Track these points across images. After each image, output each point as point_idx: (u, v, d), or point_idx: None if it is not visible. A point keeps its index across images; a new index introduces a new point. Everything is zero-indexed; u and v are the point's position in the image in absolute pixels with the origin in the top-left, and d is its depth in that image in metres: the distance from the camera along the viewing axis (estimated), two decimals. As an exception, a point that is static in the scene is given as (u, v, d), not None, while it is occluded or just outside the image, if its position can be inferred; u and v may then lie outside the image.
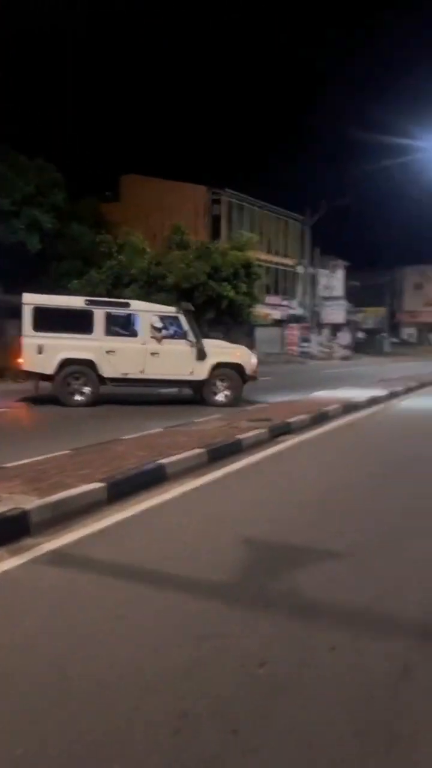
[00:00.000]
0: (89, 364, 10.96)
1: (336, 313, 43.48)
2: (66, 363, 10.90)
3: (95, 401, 11.00)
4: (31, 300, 11.20)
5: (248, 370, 11.40)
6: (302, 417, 8.83)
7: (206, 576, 3.26)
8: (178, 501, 4.72)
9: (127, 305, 11.78)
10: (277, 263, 37.36)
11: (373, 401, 11.93)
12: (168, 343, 11.22)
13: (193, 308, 12.22)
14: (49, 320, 10.96)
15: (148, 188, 31.97)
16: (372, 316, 59.68)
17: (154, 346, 11.14)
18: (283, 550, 3.65)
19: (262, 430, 7.51)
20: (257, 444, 7.14)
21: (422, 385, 15.73)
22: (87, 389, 10.98)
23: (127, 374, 11.08)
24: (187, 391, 11.87)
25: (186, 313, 11.43)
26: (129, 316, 11.56)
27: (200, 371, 11.22)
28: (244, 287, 23.17)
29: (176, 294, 21.24)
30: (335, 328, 43.90)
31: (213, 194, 31.92)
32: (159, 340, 11.16)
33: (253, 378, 11.57)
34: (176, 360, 11.13)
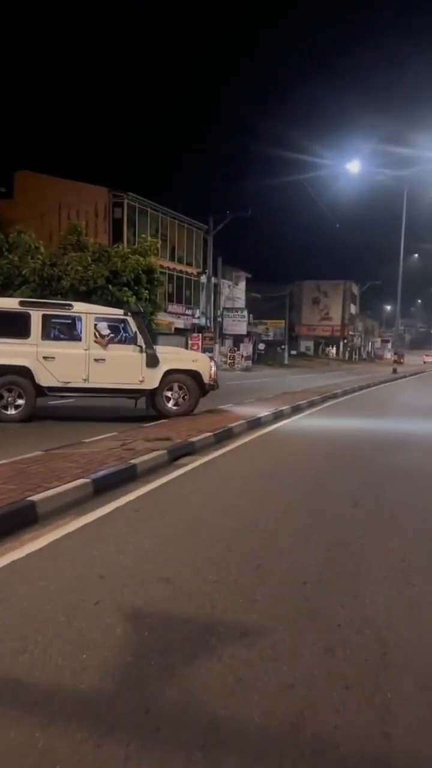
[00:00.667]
0: (24, 372, 9.80)
1: (238, 324, 43.62)
2: None
3: (31, 415, 9.85)
4: None
5: (207, 378, 10.63)
6: (206, 435, 8.05)
7: (70, 684, 2.32)
8: (46, 554, 3.71)
9: (68, 307, 10.61)
10: (180, 271, 36.77)
11: (278, 416, 11.43)
12: (114, 349, 10.23)
13: (141, 310, 11.23)
14: None
15: (45, 186, 30.20)
16: (272, 328, 60.81)
17: (98, 351, 10.13)
18: (179, 629, 2.77)
19: (161, 452, 6.62)
20: (155, 469, 6.24)
21: (324, 399, 15.55)
22: (21, 401, 9.82)
23: (68, 383, 10.03)
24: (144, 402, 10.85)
25: (134, 315, 10.48)
26: (70, 318, 10.44)
27: (151, 379, 10.31)
28: (146, 294, 22.20)
29: (72, 298, 19.89)
30: (236, 339, 44.03)
31: (114, 197, 30.72)
32: (104, 345, 10.16)
33: (213, 386, 10.81)
34: (124, 366, 10.19)
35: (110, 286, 20.62)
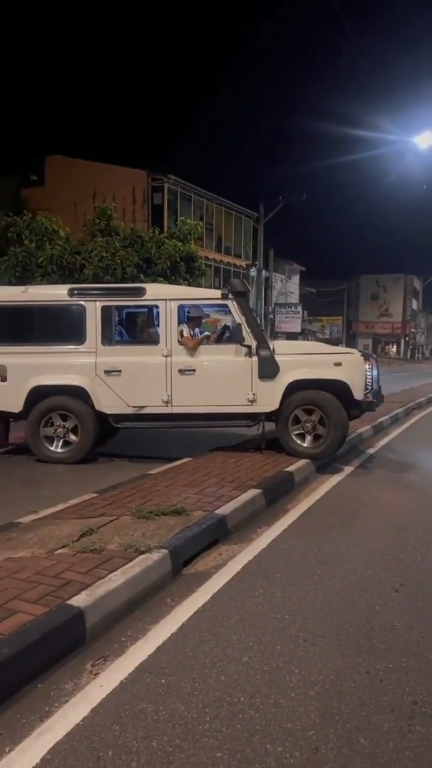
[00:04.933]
0: (78, 395, 6.68)
1: (292, 321, 39.98)
2: (40, 394, 6.66)
3: (85, 454, 6.63)
4: None
5: (359, 390, 6.60)
6: (248, 495, 4.69)
7: None
8: None
9: (139, 292, 7.08)
10: (227, 263, 33.45)
11: (353, 443, 7.95)
12: (208, 351, 6.79)
13: (249, 289, 7.21)
14: (15, 326, 6.94)
15: (78, 171, 27.48)
16: (329, 325, 56.76)
17: (184, 357, 6.70)
18: None
19: (155, 555, 3.32)
20: (135, 604, 2.96)
21: (408, 412, 11.89)
22: (73, 436, 6.65)
23: (142, 407, 6.70)
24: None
25: (238, 297, 6.83)
26: (144, 310, 7.33)
27: (267, 397, 6.61)
28: (185, 284, 19.00)
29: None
30: (289, 337, 40.41)
31: (153, 180, 27.69)
32: (193, 346, 6.74)
33: (371, 404, 6.81)
34: (224, 379, 6.73)
35: (142, 276, 17.55)
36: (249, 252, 35.61)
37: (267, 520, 4.56)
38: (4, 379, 6.69)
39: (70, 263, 17.36)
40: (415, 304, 72.76)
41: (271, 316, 36.35)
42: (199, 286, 20.37)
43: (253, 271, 35.10)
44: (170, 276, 18.57)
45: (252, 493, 4.79)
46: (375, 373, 6.89)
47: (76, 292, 6.96)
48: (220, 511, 4.22)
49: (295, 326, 40.33)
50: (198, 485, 5.00)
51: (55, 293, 7.23)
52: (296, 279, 45.68)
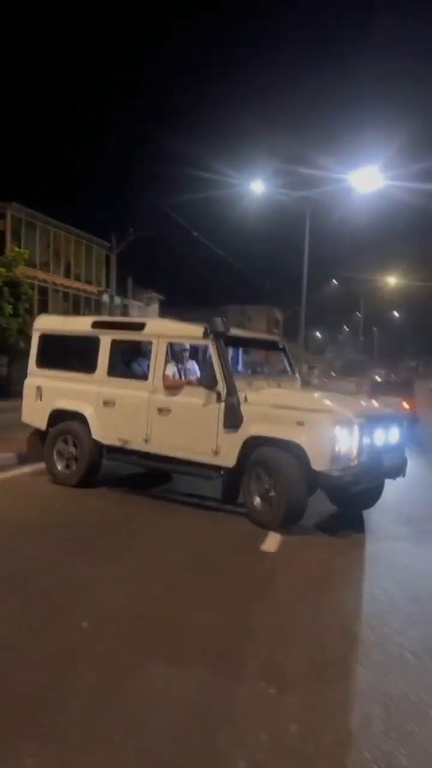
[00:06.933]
0: (83, 421, 6.98)
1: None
2: (58, 416, 7.31)
3: (79, 480, 6.95)
4: (41, 324, 8.03)
5: (318, 459, 5.46)
6: None
7: None
8: None
9: (140, 327, 7.12)
10: (77, 289, 34.76)
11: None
12: (187, 392, 6.39)
13: (227, 330, 6.44)
14: (54, 352, 7.63)
15: None
16: (191, 351, 59.42)
17: (162, 397, 6.48)
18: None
19: None
20: None
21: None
22: (76, 455, 7.04)
23: (127, 442, 6.70)
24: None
25: (217, 337, 6.26)
26: (140, 344, 7.26)
27: (228, 450, 5.96)
28: (9, 309, 20.20)
29: None
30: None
31: (-5, 207, 28.58)
32: (167, 386, 6.48)
33: (328, 480, 5.55)
34: (193, 424, 6.26)
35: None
36: (102, 279, 37.17)
37: None
38: (41, 399, 7.39)
39: None
40: (276, 334, 78.05)
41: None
42: (22, 309, 21.43)
43: (105, 297, 36.68)
44: (-7, 301, 19.66)
45: None
46: (367, 441, 5.68)
47: (96, 324, 7.47)
48: None
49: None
50: None
51: (83, 325, 7.75)
52: (155, 307, 47.82)
